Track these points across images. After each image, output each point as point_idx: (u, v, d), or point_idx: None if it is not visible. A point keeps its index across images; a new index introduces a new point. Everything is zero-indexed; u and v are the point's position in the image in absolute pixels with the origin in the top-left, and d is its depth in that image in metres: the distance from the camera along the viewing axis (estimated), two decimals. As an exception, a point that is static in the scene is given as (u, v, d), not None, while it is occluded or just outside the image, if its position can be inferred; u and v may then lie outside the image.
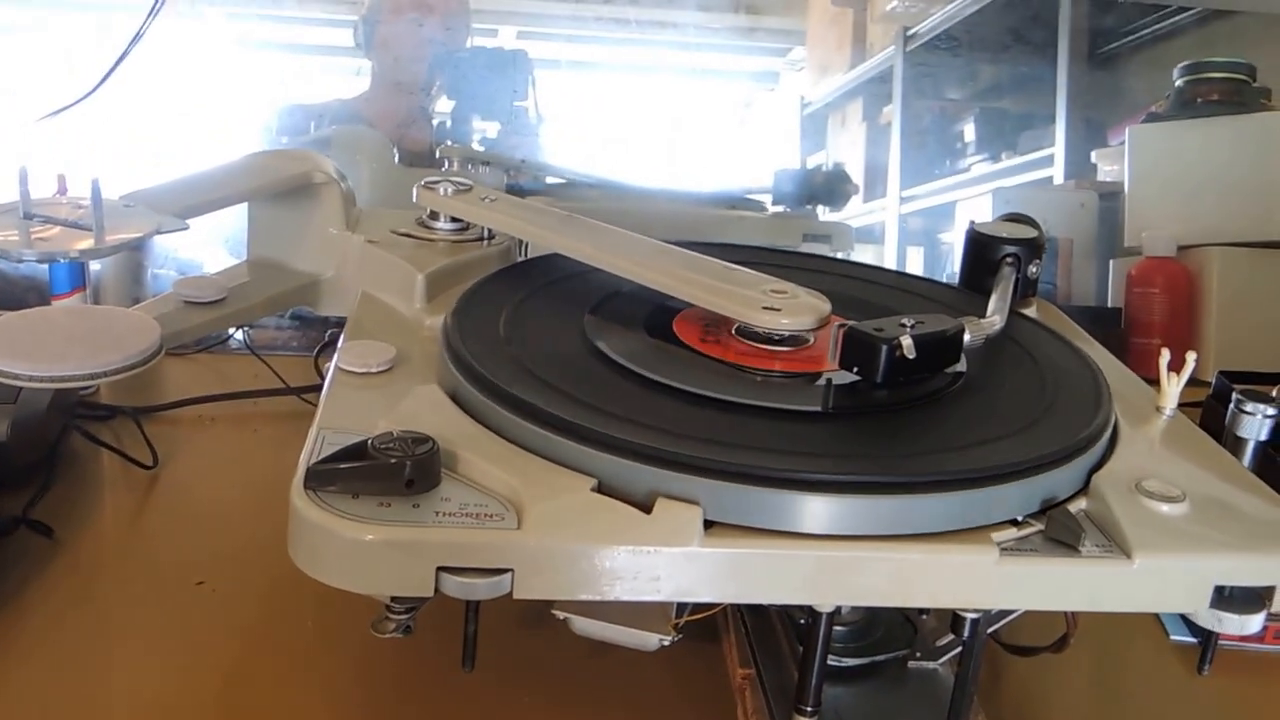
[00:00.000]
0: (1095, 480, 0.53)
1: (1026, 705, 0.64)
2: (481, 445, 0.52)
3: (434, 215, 0.76)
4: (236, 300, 0.69)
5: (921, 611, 0.66)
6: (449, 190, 0.75)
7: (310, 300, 0.75)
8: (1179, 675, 0.70)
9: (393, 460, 0.48)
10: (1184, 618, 0.74)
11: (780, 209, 1.30)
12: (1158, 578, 0.49)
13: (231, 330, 1.04)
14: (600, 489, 0.49)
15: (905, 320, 0.56)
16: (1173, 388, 0.62)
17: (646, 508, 0.48)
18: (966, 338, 0.59)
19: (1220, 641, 0.72)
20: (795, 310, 0.60)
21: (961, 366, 0.60)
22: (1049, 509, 0.51)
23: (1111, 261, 1.51)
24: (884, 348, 0.54)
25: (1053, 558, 0.49)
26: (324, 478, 0.48)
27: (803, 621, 0.59)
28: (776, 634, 0.61)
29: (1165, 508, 0.51)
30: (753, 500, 0.48)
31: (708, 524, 0.48)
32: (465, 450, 0.51)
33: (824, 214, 1.33)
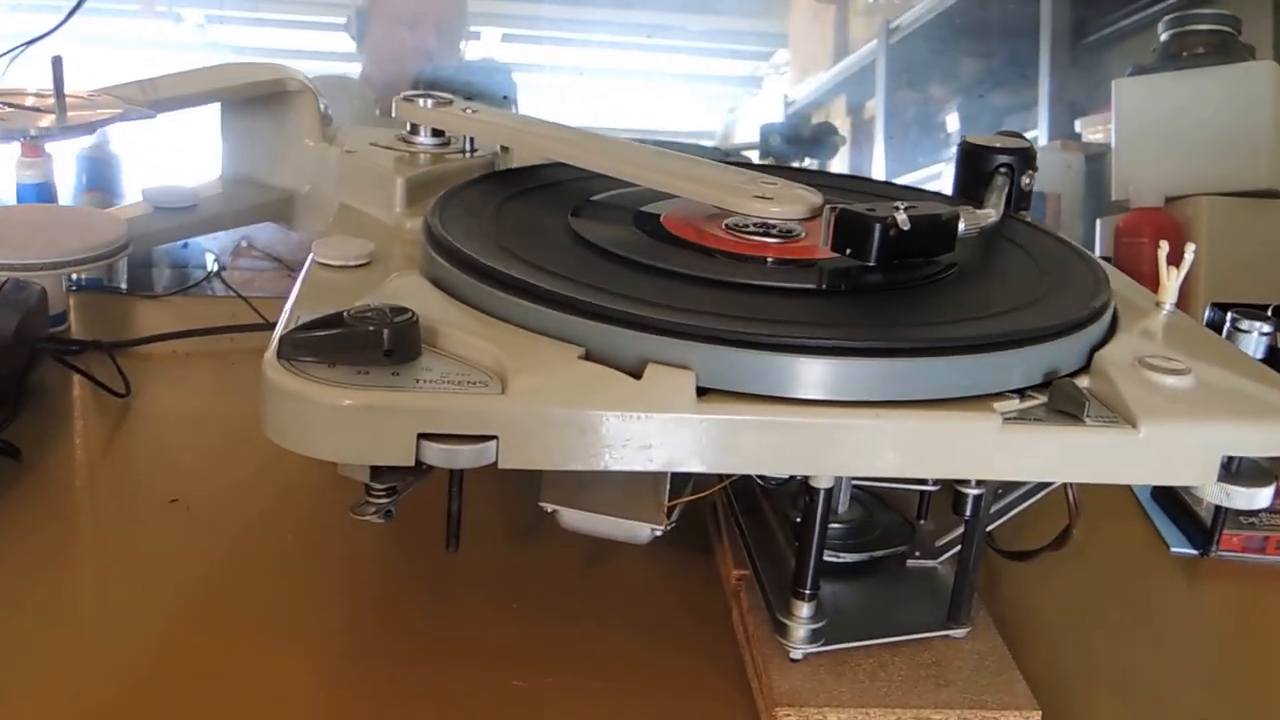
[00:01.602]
0: (1097, 358, 0.52)
1: (1027, 617, 0.62)
2: (464, 321, 0.50)
3: (414, 130, 0.74)
4: (208, 208, 0.67)
5: (919, 514, 0.64)
6: (430, 103, 0.73)
7: (285, 216, 0.73)
8: (1180, 586, 0.69)
9: (370, 328, 0.46)
10: (1184, 528, 0.73)
11: (769, 162, 1.29)
12: (1164, 447, 0.48)
13: (209, 270, 1.01)
14: (588, 358, 0.47)
15: (898, 203, 0.55)
16: (1172, 281, 0.61)
17: (637, 375, 0.46)
18: (961, 226, 0.57)
19: (1220, 552, 0.71)
20: (787, 199, 0.58)
21: (956, 257, 0.58)
22: (1052, 382, 0.49)
23: (1098, 220, 1.50)
24: (877, 225, 0.52)
25: (1057, 426, 0.47)
26: (298, 346, 0.46)
27: (799, 520, 0.58)
28: (772, 532, 0.59)
29: (1171, 380, 0.50)
30: (748, 364, 0.46)
31: (701, 391, 0.46)
32: (447, 327, 0.49)
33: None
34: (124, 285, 1.02)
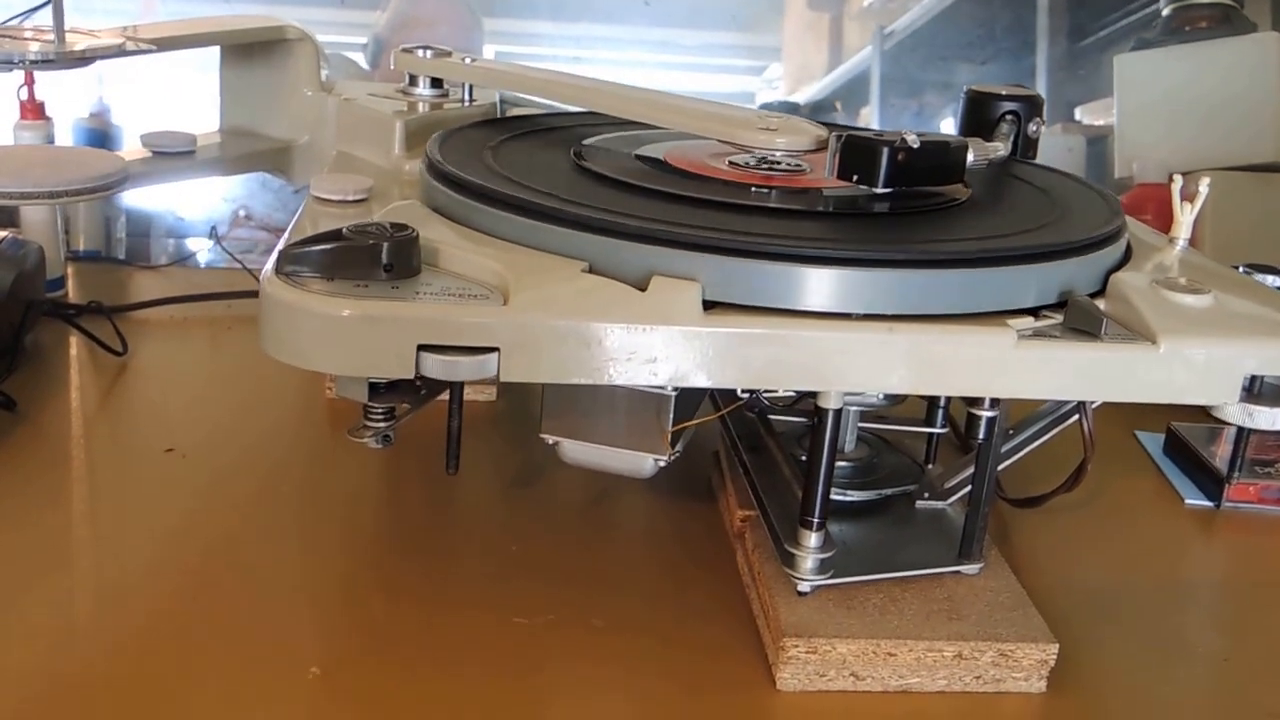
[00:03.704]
0: (1113, 280, 0.51)
1: (1040, 567, 0.60)
2: (465, 241, 0.49)
3: (413, 82, 0.73)
4: (206, 154, 0.66)
5: (927, 459, 0.63)
6: (428, 53, 0.72)
7: (283, 166, 0.72)
8: (1196, 536, 0.67)
9: (370, 241, 0.45)
10: (1198, 481, 0.71)
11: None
12: (1185, 365, 0.47)
13: (207, 247, 1.00)
14: (591, 272, 0.46)
15: (906, 133, 0.54)
16: (1186, 216, 0.60)
17: (642, 288, 0.45)
18: (970, 156, 0.56)
19: (1232, 503, 0.70)
20: (792, 130, 0.57)
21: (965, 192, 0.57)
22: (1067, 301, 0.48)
23: (1101, 202, 1.49)
24: (885, 149, 0.51)
25: (1074, 342, 0.46)
26: (297, 260, 0.45)
27: (804, 458, 0.56)
28: (778, 469, 0.58)
29: (1190, 299, 0.49)
30: (755, 275, 0.45)
31: (708, 305, 0.45)
32: (448, 247, 0.48)
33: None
34: (122, 255, 1.01)
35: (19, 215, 0.88)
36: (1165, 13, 1.39)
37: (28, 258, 0.79)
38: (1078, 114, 1.94)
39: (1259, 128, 1.26)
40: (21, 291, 0.78)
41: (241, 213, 1.02)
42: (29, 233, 0.86)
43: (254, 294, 0.85)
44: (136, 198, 1.03)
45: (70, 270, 0.93)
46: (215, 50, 0.72)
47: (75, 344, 0.81)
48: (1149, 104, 1.33)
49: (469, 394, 0.72)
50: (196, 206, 1.02)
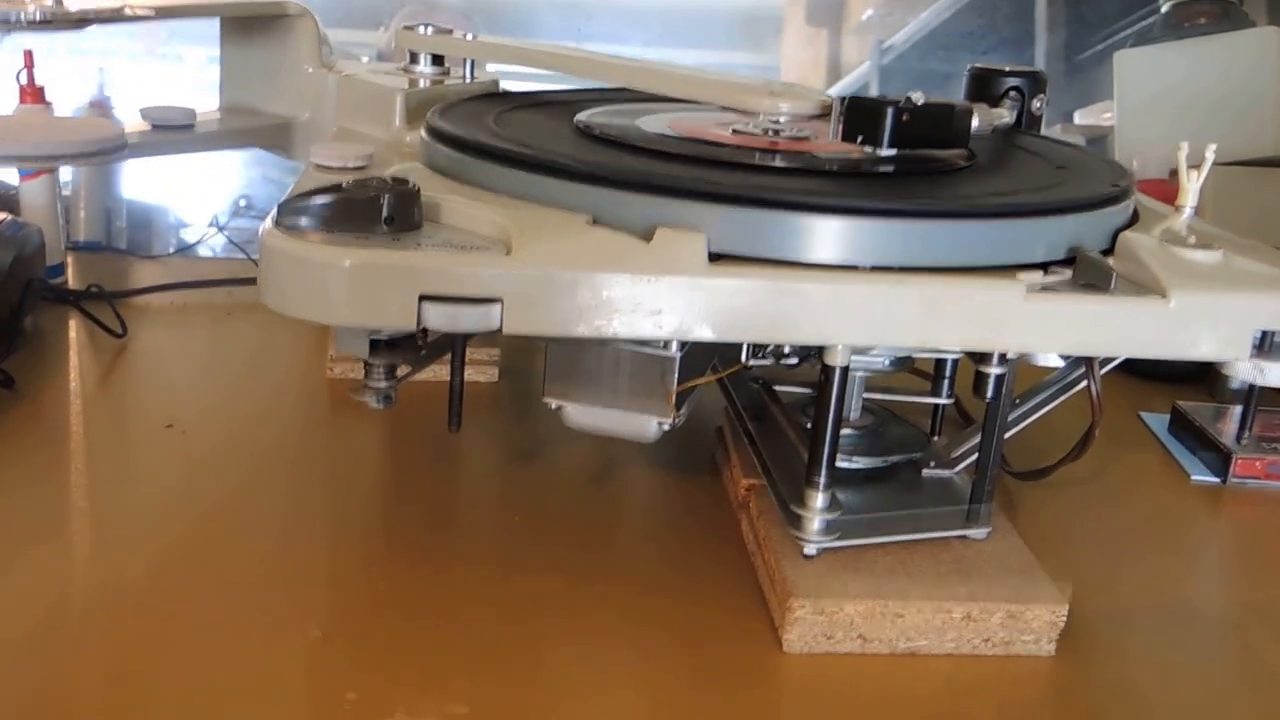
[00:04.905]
0: (1122, 238, 0.50)
1: (1047, 539, 0.59)
2: (467, 197, 0.48)
3: (414, 59, 0.73)
4: (205, 128, 0.66)
5: (933, 430, 0.63)
6: (430, 30, 0.72)
7: (283, 143, 0.72)
8: (1203, 511, 0.67)
9: (371, 194, 0.44)
10: (1204, 459, 0.71)
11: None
12: (1195, 319, 0.46)
13: (209, 234, 1.00)
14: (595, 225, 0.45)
15: (912, 93, 0.53)
16: (1192, 184, 0.59)
17: (646, 241, 0.44)
18: (975, 121, 0.56)
19: (1238, 479, 0.69)
20: (797, 95, 0.57)
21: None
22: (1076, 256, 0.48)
23: (1102, 201, 1.48)
24: (890, 109, 0.51)
25: (1083, 295, 0.46)
26: (296, 212, 0.44)
27: (809, 426, 0.56)
28: (783, 436, 0.57)
29: (1200, 254, 0.49)
30: (762, 226, 0.44)
31: (714, 258, 0.44)
32: (450, 202, 0.47)
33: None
34: (123, 245, 1.00)
35: (19, 202, 0.87)
36: (1164, 9, 1.39)
37: (28, 240, 0.79)
38: (1077, 117, 1.94)
39: (1259, 123, 1.26)
40: (21, 272, 0.77)
41: (242, 202, 1.01)
42: (29, 219, 0.85)
43: (255, 281, 0.85)
44: (137, 189, 1.02)
45: (70, 259, 0.92)
46: (216, 56, 0.73)
47: (75, 327, 0.80)
48: (1149, 100, 1.33)
49: (470, 375, 0.72)
50: (197, 197, 1.02)
